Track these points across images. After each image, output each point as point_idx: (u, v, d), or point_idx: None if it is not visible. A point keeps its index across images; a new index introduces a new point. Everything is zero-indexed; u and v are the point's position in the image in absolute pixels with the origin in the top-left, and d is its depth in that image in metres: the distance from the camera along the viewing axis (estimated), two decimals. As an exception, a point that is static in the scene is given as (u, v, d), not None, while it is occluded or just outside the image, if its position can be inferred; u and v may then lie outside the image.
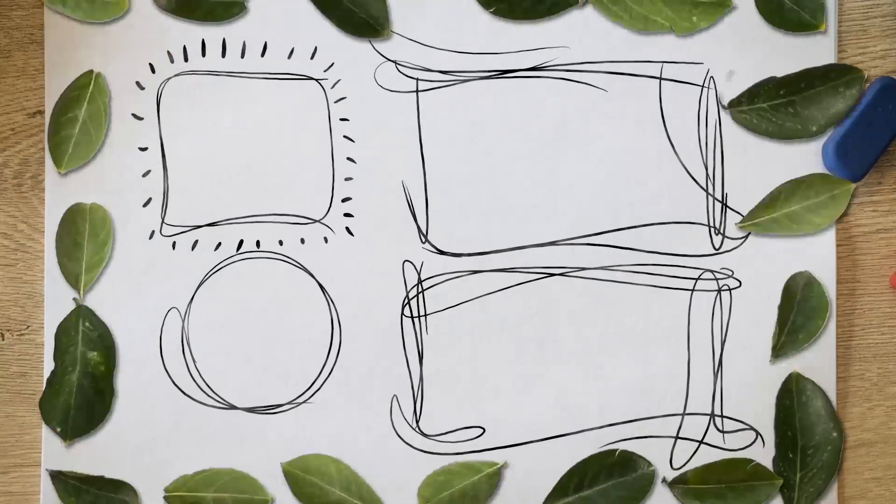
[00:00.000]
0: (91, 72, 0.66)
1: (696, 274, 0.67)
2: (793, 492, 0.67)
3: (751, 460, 0.66)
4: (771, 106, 0.66)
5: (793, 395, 0.66)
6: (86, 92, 0.66)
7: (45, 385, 0.66)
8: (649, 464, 0.67)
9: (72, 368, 0.66)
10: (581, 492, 0.67)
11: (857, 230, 0.68)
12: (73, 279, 0.66)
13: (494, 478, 0.66)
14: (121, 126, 0.66)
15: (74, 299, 0.66)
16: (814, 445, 0.66)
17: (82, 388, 0.66)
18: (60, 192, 0.66)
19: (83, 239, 0.66)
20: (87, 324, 0.66)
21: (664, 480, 0.67)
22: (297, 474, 0.66)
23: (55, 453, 0.66)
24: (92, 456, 0.66)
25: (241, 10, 0.66)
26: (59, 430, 0.66)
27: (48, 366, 0.66)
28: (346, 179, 0.67)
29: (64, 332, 0.66)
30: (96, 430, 0.66)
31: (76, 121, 0.66)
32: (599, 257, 0.67)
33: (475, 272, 0.67)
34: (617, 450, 0.66)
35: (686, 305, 0.67)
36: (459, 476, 0.66)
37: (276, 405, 0.67)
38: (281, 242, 0.67)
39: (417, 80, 0.66)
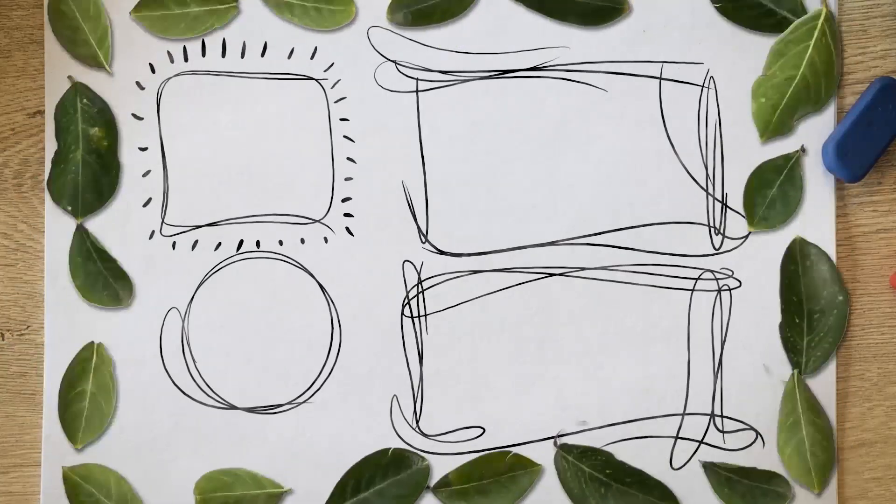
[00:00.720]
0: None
1: (696, 274, 0.67)
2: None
3: (509, 451, 0.66)
4: None
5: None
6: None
7: (50, 166, 0.66)
8: (423, 459, 0.66)
9: (75, 146, 0.66)
10: (359, 494, 0.66)
11: (857, 230, 0.67)
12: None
13: (274, 499, 0.66)
14: (121, 126, 0.66)
15: (69, 77, 0.65)
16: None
17: (88, 165, 0.65)
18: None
19: (78, 22, 0.66)
20: (84, 100, 0.65)
21: (428, 487, 0.66)
22: (77, 481, 0.66)
23: (55, 453, 0.66)
24: (93, 456, 0.67)
25: (471, 2, 0.66)
26: (69, 208, 0.66)
27: (48, 364, 0.66)
28: (346, 179, 0.67)
29: (62, 111, 0.66)
30: (105, 207, 0.66)
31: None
32: (599, 257, 0.67)
33: (475, 272, 0.67)
34: (390, 448, 0.66)
35: (686, 305, 0.67)
36: (243, 484, 0.66)
37: (276, 405, 0.67)
38: (281, 242, 0.67)
39: (417, 80, 0.66)
